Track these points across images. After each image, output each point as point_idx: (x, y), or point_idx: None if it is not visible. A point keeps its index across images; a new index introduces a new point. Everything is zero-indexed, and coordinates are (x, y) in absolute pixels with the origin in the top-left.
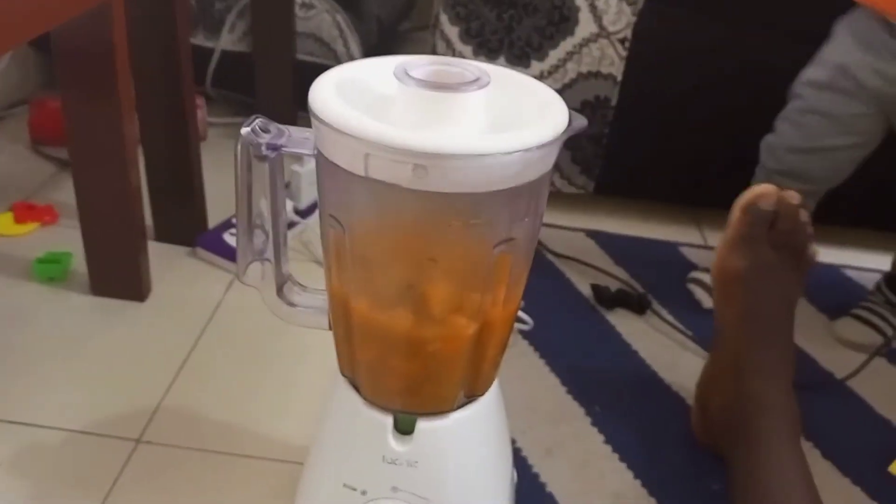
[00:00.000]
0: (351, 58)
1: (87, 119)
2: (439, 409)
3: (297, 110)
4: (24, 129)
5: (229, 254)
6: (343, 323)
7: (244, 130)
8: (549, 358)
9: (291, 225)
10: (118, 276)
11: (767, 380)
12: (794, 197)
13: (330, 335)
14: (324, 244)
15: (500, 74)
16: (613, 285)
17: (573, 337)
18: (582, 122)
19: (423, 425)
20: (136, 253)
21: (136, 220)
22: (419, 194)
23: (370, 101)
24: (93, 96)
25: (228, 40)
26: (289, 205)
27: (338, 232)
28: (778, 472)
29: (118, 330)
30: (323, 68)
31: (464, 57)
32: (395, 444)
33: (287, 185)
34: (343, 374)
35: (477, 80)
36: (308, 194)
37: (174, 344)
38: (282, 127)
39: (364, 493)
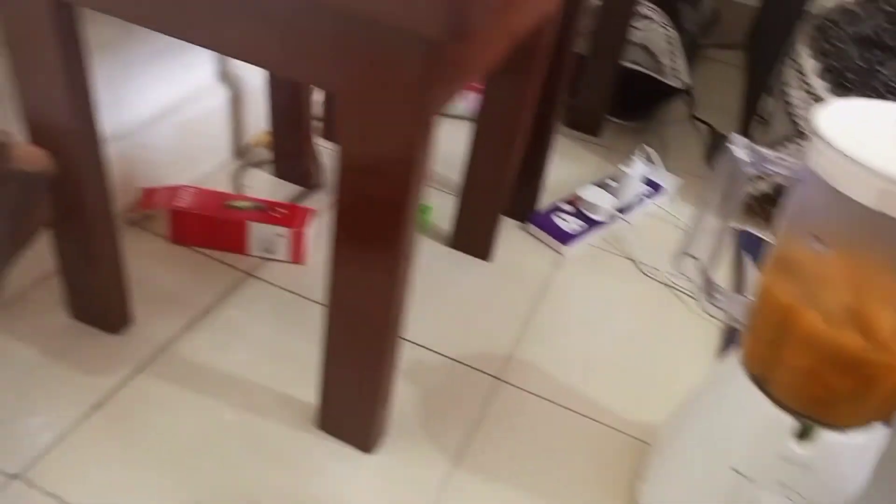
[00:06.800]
0: (673, 70)
1: (503, 101)
2: (845, 425)
3: (605, 112)
4: None
5: (556, 234)
6: (775, 328)
7: (734, 149)
8: None
9: (611, 219)
10: (474, 236)
11: None
12: None
13: (649, 329)
14: (780, 256)
15: None
16: None
17: None
18: None
19: (824, 436)
20: (494, 221)
21: (504, 196)
22: None
23: (876, 142)
24: (515, 87)
25: None
26: (611, 201)
27: (814, 249)
28: None
29: (471, 279)
30: (643, 77)
31: (814, 91)
32: (794, 446)
33: (606, 183)
34: (749, 371)
35: None
36: (628, 195)
37: (516, 302)
38: (758, 149)
39: (751, 480)
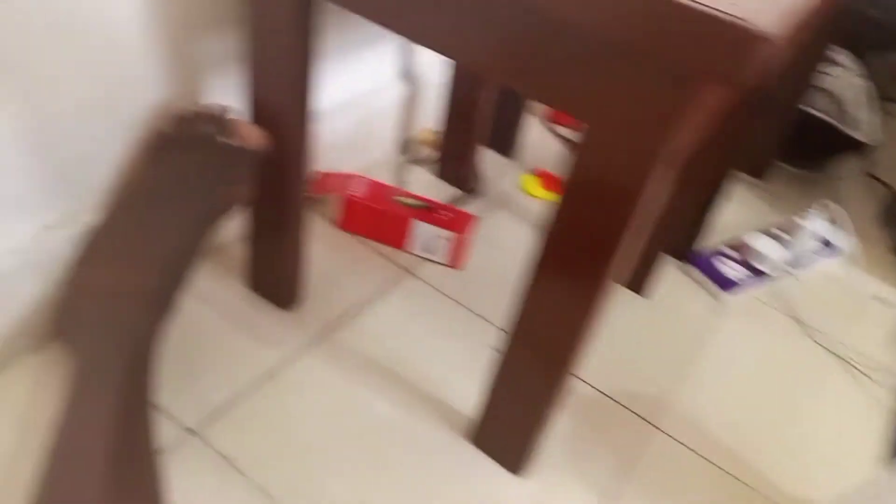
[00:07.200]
0: (859, 123)
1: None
2: None
3: (775, 156)
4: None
5: (718, 279)
6: None
7: None
8: None
9: (778, 273)
10: (632, 271)
11: None
12: None
13: (810, 398)
14: None
15: None
16: None
17: None
18: None
19: None
20: (654, 257)
21: (669, 233)
22: None
23: None
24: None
25: None
26: (781, 253)
27: None
28: None
29: (626, 314)
30: (824, 125)
31: None
32: None
33: (775, 233)
34: None
35: None
36: (801, 250)
37: (671, 345)
38: None
39: None
